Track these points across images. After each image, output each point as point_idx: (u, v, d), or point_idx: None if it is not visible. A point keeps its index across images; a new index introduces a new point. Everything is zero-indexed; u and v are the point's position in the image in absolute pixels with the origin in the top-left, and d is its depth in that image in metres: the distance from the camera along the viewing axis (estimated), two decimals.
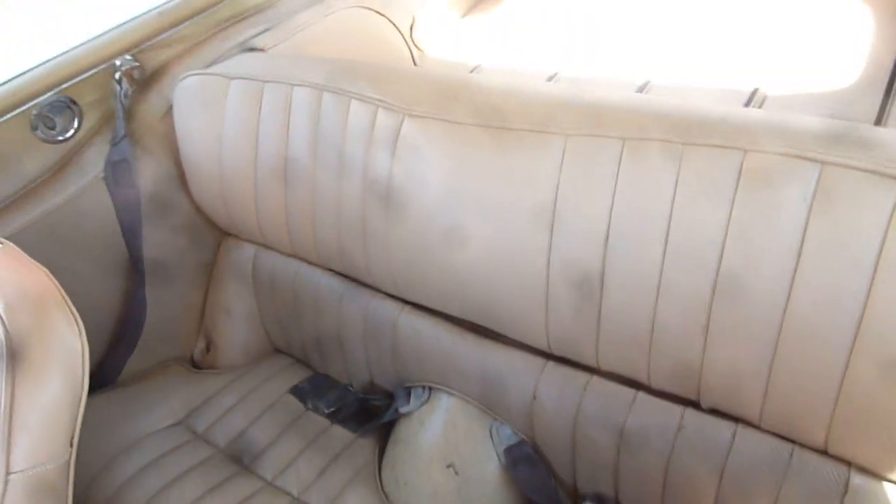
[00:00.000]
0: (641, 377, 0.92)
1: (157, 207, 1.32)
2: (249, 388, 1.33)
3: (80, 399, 0.75)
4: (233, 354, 1.41)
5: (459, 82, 1.06)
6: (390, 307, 1.17)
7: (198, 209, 1.35)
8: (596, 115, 0.89)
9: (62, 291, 0.77)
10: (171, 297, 1.38)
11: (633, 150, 0.83)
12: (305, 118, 1.12)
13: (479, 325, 1.07)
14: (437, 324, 1.13)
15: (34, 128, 1.21)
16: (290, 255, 1.29)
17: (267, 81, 1.17)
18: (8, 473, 0.69)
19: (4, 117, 1.18)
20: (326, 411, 1.26)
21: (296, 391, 1.31)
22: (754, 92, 1.33)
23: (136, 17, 1.32)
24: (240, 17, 1.44)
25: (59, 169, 1.25)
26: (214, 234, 1.40)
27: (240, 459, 1.19)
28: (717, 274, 0.77)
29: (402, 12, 1.70)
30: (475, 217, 0.95)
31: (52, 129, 1.24)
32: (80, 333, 0.75)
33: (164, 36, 1.34)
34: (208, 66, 1.29)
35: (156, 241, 1.33)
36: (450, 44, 1.78)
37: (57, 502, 0.76)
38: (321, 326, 1.28)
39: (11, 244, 0.87)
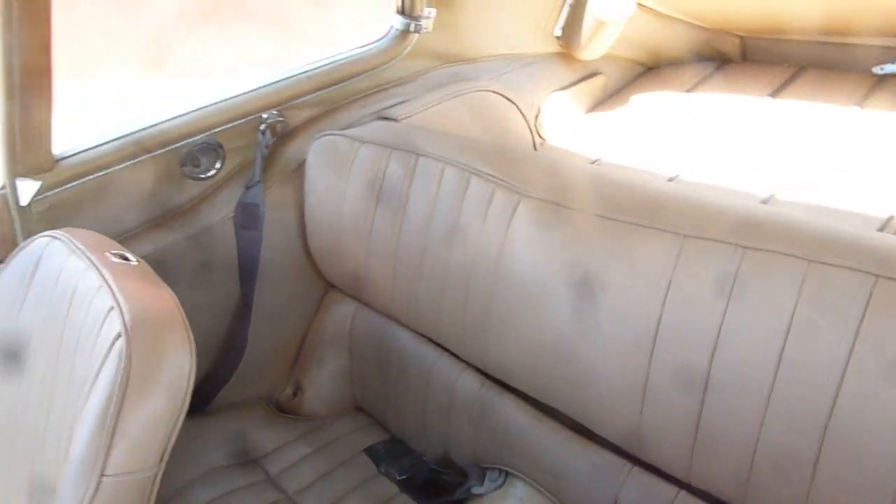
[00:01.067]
0: (737, 500, 0.86)
1: (275, 253, 1.39)
2: (326, 441, 1.34)
3: (179, 419, 0.79)
4: (317, 404, 1.44)
5: (578, 170, 1.09)
6: (478, 383, 1.17)
7: (310, 260, 1.42)
8: (716, 220, 0.87)
9: (182, 314, 0.83)
10: (270, 339, 1.44)
11: (752, 261, 0.81)
12: (425, 188, 1.17)
13: (566, 416, 1.04)
14: (523, 408, 1.11)
15: (182, 164, 1.33)
16: (388, 317, 1.32)
17: (394, 149, 1.23)
18: (102, 475, 0.73)
19: (159, 152, 1.31)
20: (398, 478, 1.25)
21: (371, 452, 1.31)
22: (889, 219, 1.26)
23: (287, 77, 1.44)
24: (378, 89, 1.54)
25: (196, 203, 1.36)
26: (321, 286, 1.46)
27: None
28: (836, 400, 0.72)
29: (530, 101, 1.76)
30: (581, 302, 0.94)
31: (197, 167, 1.35)
32: (192, 356, 0.79)
33: (309, 97, 1.45)
34: (343, 128, 1.38)
35: (267, 284, 1.39)
36: (572, 136, 1.82)
37: None
38: (407, 392, 1.29)
39: (144, 263, 0.94)
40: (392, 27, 1.53)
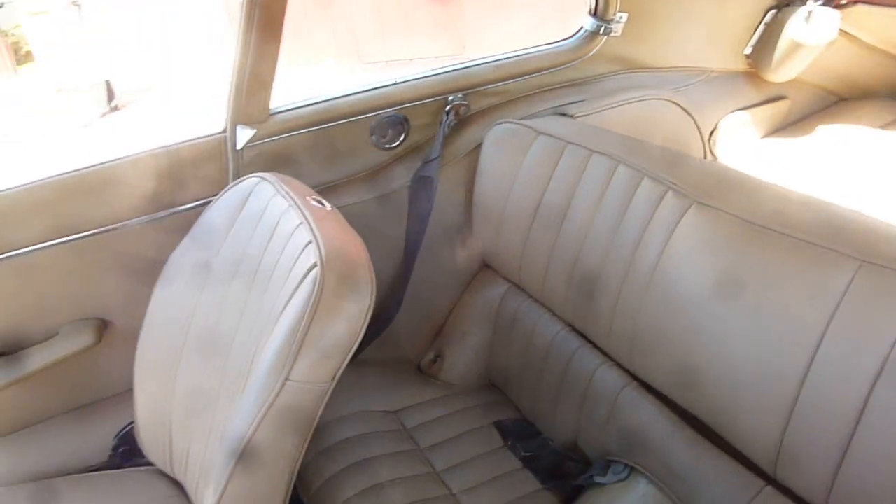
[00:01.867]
0: None
1: (439, 226, 1.49)
2: (459, 408, 1.42)
3: (353, 346, 0.89)
4: (454, 373, 1.52)
5: (757, 182, 1.08)
6: (617, 378, 1.19)
7: (470, 238, 1.50)
8: None
9: (368, 257, 0.93)
10: (422, 305, 1.54)
11: None
12: (595, 184, 1.21)
13: (703, 423, 1.04)
14: (660, 409, 1.12)
15: (371, 133, 1.46)
16: (537, 302, 1.37)
17: (569, 143, 1.28)
18: (287, 378, 0.84)
19: (353, 119, 1.44)
20: (523, 454, 1.30)
21: (499, 426, 1.37)
22: None
23: (475, 65, 1.53)
24: (558, 86, 1.60)
25: (377, 171, 1.49)
26: (476, 263, 1.54)
27: (433, 464, 1.28)
28: None
29: (708, 117, 1.74)
30: (737, 316, 0.95)
31: (384, 137, 1.48)
32: (372, 294, 0.89)
33: (493, 86, 1.53)
34: (520, 119, 1.45)
35: (427, 254, 1.49)
36: (746, 157, 1.78)
37: (306, 423, 0.90)
38: (544, 377, 1.34)
39: (337, 211, 1.06)
40: (582, 28, 1.58)
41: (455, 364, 1.53)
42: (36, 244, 1.25)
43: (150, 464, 1.28)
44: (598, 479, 1.18)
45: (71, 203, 1.26)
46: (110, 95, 6.63)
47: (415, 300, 1.52)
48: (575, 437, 1.28)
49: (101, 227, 1.30)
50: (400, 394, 1.44)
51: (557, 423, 1.32)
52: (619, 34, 1.58)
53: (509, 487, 1.24)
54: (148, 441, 1.26)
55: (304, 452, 0.93)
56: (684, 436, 1.08)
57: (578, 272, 1.22)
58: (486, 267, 1.54)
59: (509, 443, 1.33)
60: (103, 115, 6.52)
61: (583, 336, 1.28)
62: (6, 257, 1.23)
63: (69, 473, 1.32)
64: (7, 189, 1.21)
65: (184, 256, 1.21)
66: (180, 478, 1.21)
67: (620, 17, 1.56)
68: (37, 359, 1.31)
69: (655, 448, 1.11)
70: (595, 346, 1.25)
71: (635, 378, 1.17)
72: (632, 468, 1.15)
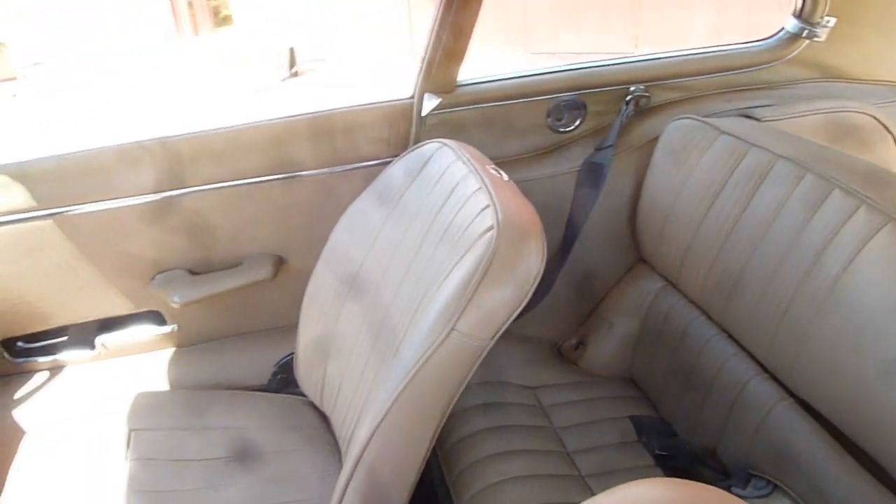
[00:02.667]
0: None
1: (602, 214, 1.50)
2: (596, 396, 1.43)
3: (516, 311, 0.93)
4: (595, 362, 1.52)
5: None
6: (772, 392, 1.15)
7: (631, 230, 1.49)
8: None
9: (541, 226, 0.96)
10: (573, 290, 1.56)
11: None
12: (778, 191, 1.16)
13: (865, 453, 0.98)
14: (817, 430, 1.07)
15: (548, 115, 1.49)
16: (692, 304, 1.34)
17: (753, 145, 1.24)
18: (453, 329, 0.90)
19: (533, 99, 1.48)
20: (656, 451, 1.28)
21: (635, 421, 1.37)
22: None
23: (661, 57, 1.51)
24: (746, 87, 1.54)
25: (549, 152, 1.51)
26: (632, 256, 1.53)
27: (564, 444, 1.30)
28: None
29: None
30: None
31: (560, 120, 1.50)
32: (542, 265, 0.92)
33: (676, 81, 1.50)
34: (704, 116, 1.42)
35: (585, 240, 1.50)
36: None
37: (461, 376, 0.95)
38: (692, 381, 1.31)
39: (512, 182, 1.10)
40: (783, 29, 1.51)
41: (597, 353, 1.53)
42: (251, 178, 1.40)
43: (302, 394, 1.40)
44: (736, 491, 1.14)
45: (281, 146, 1.40)
46: (292, 62, 7.12)
47: (566, 284, 1.54)
48: (715, 445, 1.25)
49: (290, 172, 1.43)
50: (538, 372, 1.47)
51: (698, 428, 1.29)
52: (822, 39, 1.49)
53: None
54: (304, 373, 1.38)
55: (451, 405, 0.98)
56: (842, 462, 1.02)
57: (745, 280, 1.18)
58: (642, 261, 1.52)
59: (643, 438, 1.32)
60: (283, 79, 7.03)
61: (738, 344, 1.23)
62: (232, 185, 1.39)
63: (233, 388, 1.47)
64: (240, 125, 1.38)
65: (362, 208, 1.30)
66: (328, 411, 1.32)
67: (827, 21, 1.47)
68: (222, 282, 1.48)
69: (806, 469, 1.06)
70: (751, 355, 1.21)
71: (792, 394, 1.12)
72: (775, 485, 1.11)
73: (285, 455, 1.26)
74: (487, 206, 0.96)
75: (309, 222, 1.47)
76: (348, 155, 1.45)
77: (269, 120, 1.39)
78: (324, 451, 1.27)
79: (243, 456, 1.25)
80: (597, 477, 1.23)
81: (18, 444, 1.29)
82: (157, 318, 1.53)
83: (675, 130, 1.39)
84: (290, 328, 1.48)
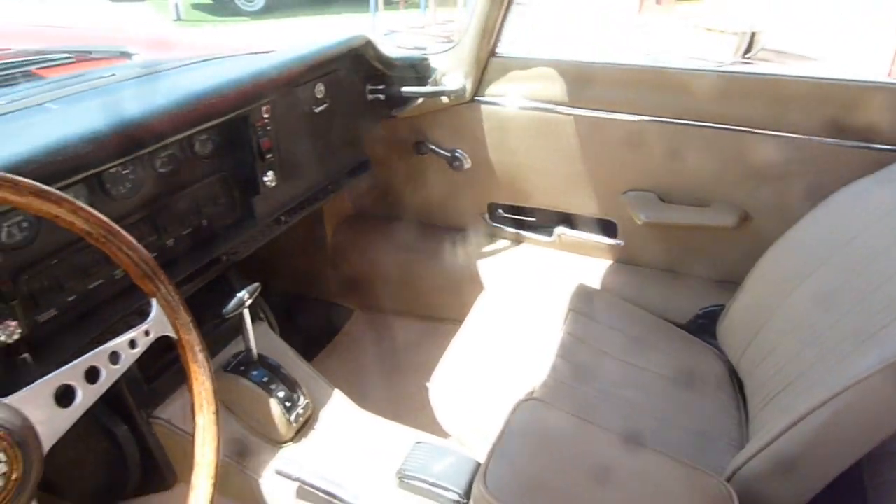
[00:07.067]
0: None
1: None
2: None
3: None
4: None
5: None
6: None
7: None
8: None
9: None
10: None
11: None
12: None
13: None
14: None
15: None
16: None
17: None
18: None
19: None
20: None
21: None
22: None
23: None
24: None
25: None
26: None
27: None
28: None
29: None
30: None
31: None
32: None
33: None
34: None
35: None
36: None
37: None
38: None
39: None
40: None
41: None
42: (746, 127, 1.44)
43: (716, 346, 1.42)
44: None
45: (784, 104, 1.40)
46: (750, 47, 6.79)
47: None
48: None
49: (788, 132, 1.41)
50: None
51: None
52: None
53: None
54: (728, 328, 1.39)
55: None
56: None
57: None
58: None
59: None
60: (731, 63, 6.77)
61: None
62: (727, 128, 1.45)
63: (654, 315, 1.55)
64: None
65: (861, 192, 1.23)
66: (744, 369, 1.31)
67: None
68: (686, 216, 1.55)
69: None
70: None
71: None
72: None
73: (689, 387, 1.31)
74: None
75: (788, 188, 1.44)
76: (856, 132, 1.37)
77: (774, 75, 1.39)
78: (723, 402, 1.29)
79: (655, 369, 1.33)
80: None
81: (478, 289, 1.58)
82: (611, 229, 1.69)
83: None
84: (722, 282, 1.51)
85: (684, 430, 1.21)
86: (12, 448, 0.59)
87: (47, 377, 0.65)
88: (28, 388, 0.64)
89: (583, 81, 1.54)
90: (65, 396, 0.66)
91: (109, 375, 0.70)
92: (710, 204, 1.53)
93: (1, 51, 1.44)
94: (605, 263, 1.71)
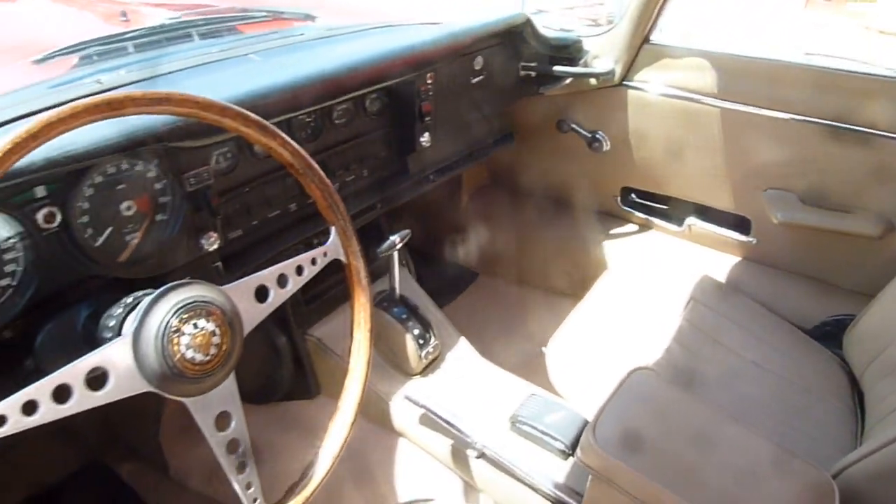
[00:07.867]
0: None
1: None
2: None
3: None
4: None
5: None
6: None
7: None
8: None
9: None
10: None
11: None
12: None
13: None
14: None
15: None
16: None
17: None
18: None
19: None
20: None
21: None
22: None
23: None
24: None
25: None
26: None
27: None
28: None
29: None
30: None
31: None
32: None
33: None
34: None
35: None
36: None
37: None
38: None
39: None
40: None
41: None
42: None
43: (840, 355, 1.41)
44: None
45: None
46: None
47: None
48: None
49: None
50: None
51: None
52: None
53: None
54: (857, 340, 1.37)
55: None
56: None
57: None
58: None
59: None
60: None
61: None
62: (878, 134, 1.43)
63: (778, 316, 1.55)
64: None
65: None
66: (868, 379, 1.30)
67: None
68: (826, 220, 1.53)
69: None
70: None
71: None
72: None
73: (805, 391, 1.31)
74: None
75: None
76: None
77: None
78: (840, 410, 1.28)
79: (771, 368, 1.35)
80: None
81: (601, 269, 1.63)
82: (744, 225, 1.69)
83: None
84: (854, 292, 1.49)
85: (794, 429, 1.23)
86: (225, 325, 0.74)
87: (249, 276, 0.81)
88: (236, 282, 0.79)
89: (735, 75, 1.55)
90: (262, 294, 0.82)
91: (295, 283, 0.85)
92: (852, 211, 1.50)
93: (207, 8, 1.65)
94: (734, 259, 1.71)
